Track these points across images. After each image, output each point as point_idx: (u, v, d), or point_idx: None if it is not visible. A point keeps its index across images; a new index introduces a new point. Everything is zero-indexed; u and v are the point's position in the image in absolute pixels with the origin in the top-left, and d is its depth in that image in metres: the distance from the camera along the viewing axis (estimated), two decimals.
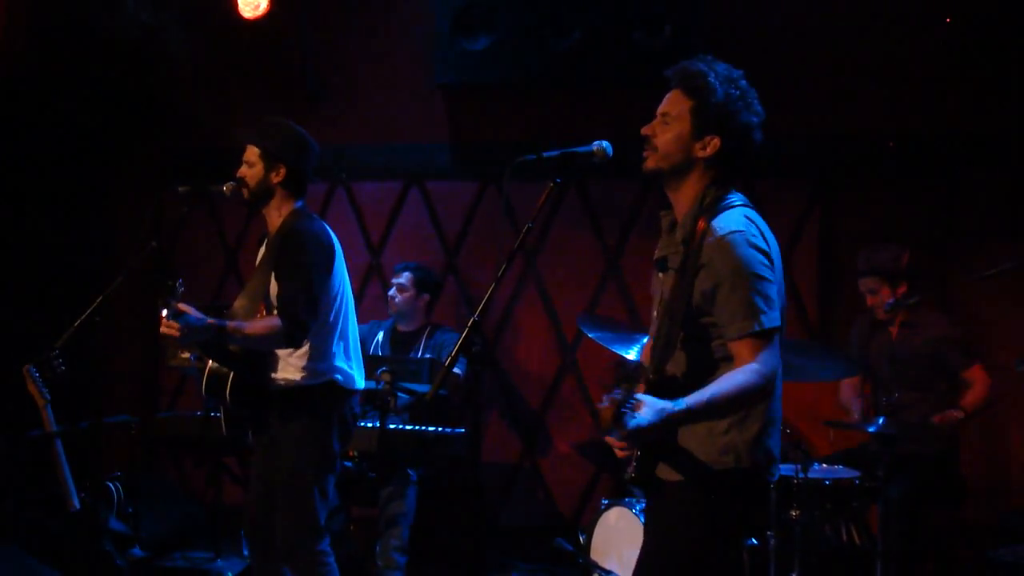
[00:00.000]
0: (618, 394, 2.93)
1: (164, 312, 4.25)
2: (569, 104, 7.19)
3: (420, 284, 6.82)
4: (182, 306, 4.29)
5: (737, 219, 3.18)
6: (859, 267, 6.05)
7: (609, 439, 3.14)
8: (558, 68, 6.86)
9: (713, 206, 3.22)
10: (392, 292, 6.80)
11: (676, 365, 3.22)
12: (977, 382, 5.91)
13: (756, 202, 3.36)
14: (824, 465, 5.67)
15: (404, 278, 6.81)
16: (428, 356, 6.64)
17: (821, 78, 6.91)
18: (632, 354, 5.78)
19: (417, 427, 6.09)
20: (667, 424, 3.00)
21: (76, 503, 5.53)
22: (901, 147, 6.82)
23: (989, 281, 5.96)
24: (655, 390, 3.07)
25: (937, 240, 6.68)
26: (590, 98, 7.16)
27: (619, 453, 3.21)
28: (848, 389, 6.24)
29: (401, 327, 6.86)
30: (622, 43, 6.72)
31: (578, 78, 6.94)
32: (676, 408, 2.99)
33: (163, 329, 4.30)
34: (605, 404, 2.93)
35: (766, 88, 3.39)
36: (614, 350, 5.84)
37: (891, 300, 5.91)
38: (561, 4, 6.76)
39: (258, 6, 7.00)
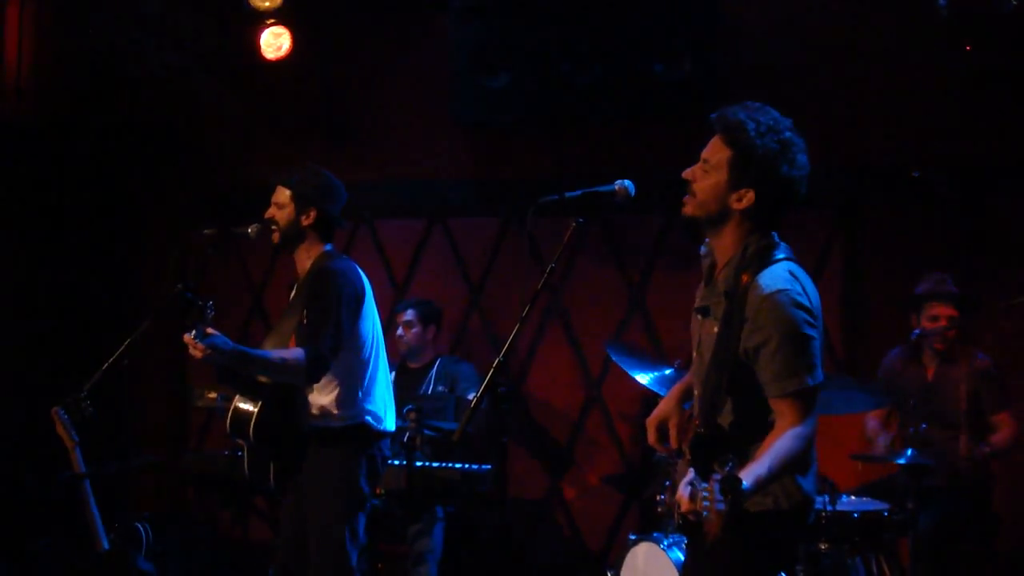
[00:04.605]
0: (718, 491, 2.78)
1: (192, 334, 4.26)
2: (591, 138, 7.21)
3: (425, 318, 6.86)
4: (210, 330, 4.31)
5: (782, 276, 3.15)
6: (935, 290, 5.99)
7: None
8: (579, 103, 6.87)
9: (756, 259, 3.19)
10: (400, 331, 6.82)
11: (724, 417, 3.20)
12: (1004, 427, 5.89)
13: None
14: (852, 497, 5.62)
15: (409, 315, 6.85)
16: (441, 389, 6.67)
17: (842, 107, 6.90)
18: (646, 379, 5.74)
19: (444, 464, 6.08)
20: (739, 506, 2.87)
21: (105, 544, 5.54)
22: (925, 176, 6.79)
23: (1016, 310, 5.95)
24: (705, 443, 3.05)
25: (963, 269, 6.64)
26: (611, 132, 7.17)
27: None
28: (873, 421, 6.21)
29: (411, 363, 6.88)
30: (643, 77, 6.72)
31: (599, 112, 6.95)
32: (745, 490, 2.87)
33: (191, 350, 4.31)
34: (707, 506, 2.78)
35: (787, 118, 3.36)
36: (637, 378, 5.81)
37: (943, 326, 5.89)
38: (580, 39, 6.78)
39: (280, 47, 7.07)
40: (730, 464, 2.87)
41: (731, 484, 2.81)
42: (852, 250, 6.97)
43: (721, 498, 2.80)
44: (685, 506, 2.90)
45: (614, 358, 6.04)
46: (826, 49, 6.89)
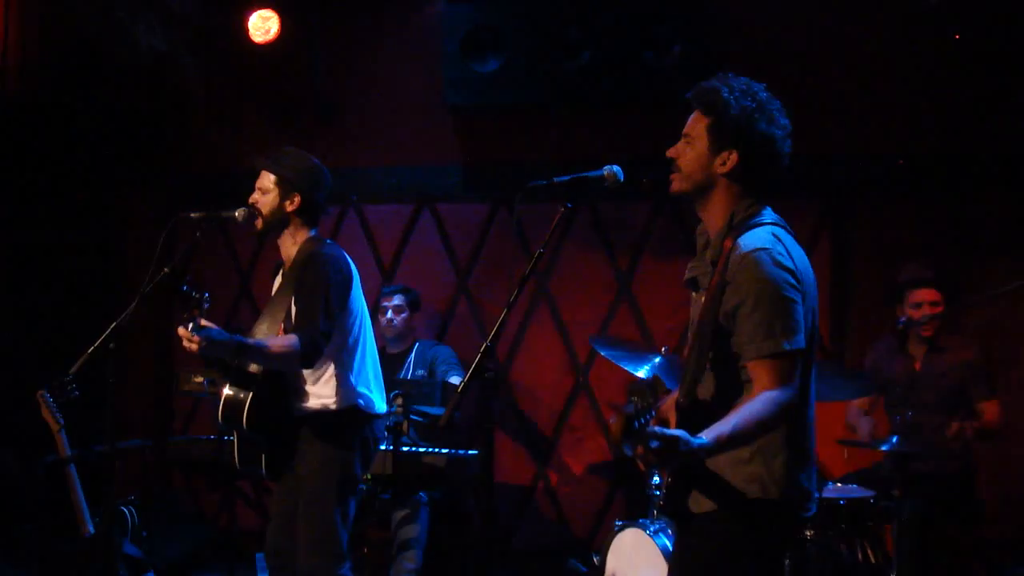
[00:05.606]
0: (629, 408, 2.78)
1: (190, 326, 4.24)
2: (580, 124, 7.20)
3: (412, 304, 6.87)
4: (204, 321, 4.30)
5: (763, 236, 3.11)
6: (914, 276, 5.96)
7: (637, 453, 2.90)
8: (568, 89, 6.87)
9: (742, 224, 3.16)
10: (389, 316, 6.81)
11: (705, 388, 3.15)
12: (990, 414, 5.90)
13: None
14: (838, 484, 5.64)
15: (398, 300, 6.85)
16: (420, 372, 6.67)
17: (830, 97, 6.90)
18: (642, 372, 5.78)
19: (430, 449, 6.09)
20: (691, 458, 2.87)
21: (91, 527, 5.53)
22: (911, 165, 6.81)
23: (1000, 298, 5.97)
24: (686, 415, 3.00)
25: (948, 258, 6.65)
26: (601, 118, 7.17)
27: (641, 466, 3.03)
28: (854, 409, 6.21)
29: (391, 349, 6.87)
30: (632, 63, 6.74)
31: (588, 99, 6.96)
32: (699, 444, 2.84)
33: (185, 344, 4.30)
34: (615, 420, 2.80)
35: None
36: (627, 369, 5.83)
37: (931, 314, 5.88)
38: (570, 25, 6.78)
39: (268, 30, 7.05)
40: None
41: (631, 414, 2.76)
42: (839, 238, 6.97)
43: (627, 420, 2.76)
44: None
45: (601, 351, 6.06)
46: (815, 38, 6.89)
